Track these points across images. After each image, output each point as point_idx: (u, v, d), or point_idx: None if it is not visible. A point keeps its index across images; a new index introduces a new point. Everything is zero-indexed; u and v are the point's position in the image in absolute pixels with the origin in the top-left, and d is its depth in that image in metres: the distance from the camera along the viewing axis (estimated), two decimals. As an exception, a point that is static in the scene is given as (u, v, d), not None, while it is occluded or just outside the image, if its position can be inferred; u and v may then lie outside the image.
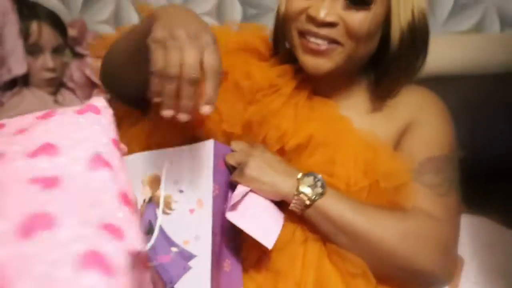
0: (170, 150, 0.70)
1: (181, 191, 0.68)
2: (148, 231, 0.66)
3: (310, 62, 0.72)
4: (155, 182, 0.69)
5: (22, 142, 0.36)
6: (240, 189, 0.68)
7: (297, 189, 0.67)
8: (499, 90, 1.22)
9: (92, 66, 1.24)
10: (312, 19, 0.70)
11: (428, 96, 0.80)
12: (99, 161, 0.34)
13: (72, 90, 1.29)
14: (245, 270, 0.69)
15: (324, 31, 0.70)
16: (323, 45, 0.71)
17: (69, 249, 0.27)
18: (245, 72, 0.77)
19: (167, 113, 0.56)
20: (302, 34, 0.72)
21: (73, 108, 0.41)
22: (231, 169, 0.71)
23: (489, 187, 0.97)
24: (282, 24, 0.77)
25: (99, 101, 0.42)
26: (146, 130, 0.78)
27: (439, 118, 0.77)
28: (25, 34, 1.15)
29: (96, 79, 1.23)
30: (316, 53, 0.71)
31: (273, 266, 0.68)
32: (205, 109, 0.56)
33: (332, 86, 0.79)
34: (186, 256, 0.64)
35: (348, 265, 0.67)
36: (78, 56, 1.33)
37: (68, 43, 1.29)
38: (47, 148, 0.34)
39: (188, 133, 0.73)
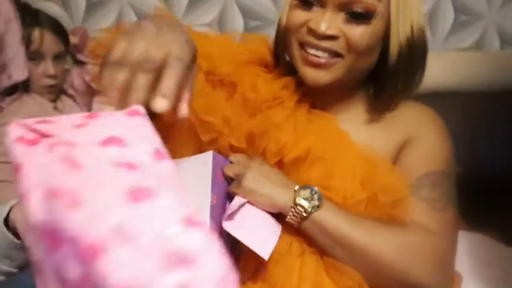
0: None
1: None
2: None
3: (310, 74, 0.72)
4: None
5: (86, 135, 0.37)
6: (237, 200, 0.68)
7: (294, 202, 0.67)
8: (499, 107, 1.22)
9: (92, 73, 1.25)
10: (312, 32, 0.70)
11: (426, 112, 0.81)
12: (160, 154, 0.36)
13: (72, 97, 1.29)
14: (241, 281, 0.69)
15: (325, 44, 0.70)
16: (323, 58, 0.71)
17: (174, 212, 0.31)
18: (252, 85, 0.78)
19: (109, 107, 0.44)
20: (303, 45, 0.72)
21: (118, 111, 0.42)
22: (229, 180, 0.71)
23: (488, 203, 0.97)
24: (283, 36, 0.77)
25: (139, 107, 0.43)
26: None
27: (437, 134, 0.78)
28: (27, 40, 1.15)
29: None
30: (316, 65, 0.71)
31: (270, 277, 0.68)
32: (159, 104, 0.44)
33: (331, 99, 0.80)
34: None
35: (345, 278, 0.66)
36: (79, 63, 1.33)
37: (69, 51, 1.30)
38: (114, 141, 0.36)
39: (196, 147, 0.73)
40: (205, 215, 0.65)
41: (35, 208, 0.32)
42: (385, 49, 0.74)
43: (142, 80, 0.44)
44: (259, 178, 0.68)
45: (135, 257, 0.28)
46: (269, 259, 0.64)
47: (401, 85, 0.77)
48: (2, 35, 1.05)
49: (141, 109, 0.42)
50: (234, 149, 0.75)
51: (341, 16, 0.70)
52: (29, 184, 0.34)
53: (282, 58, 0.82)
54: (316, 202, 0.67)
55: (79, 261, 0.29)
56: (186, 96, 0.49)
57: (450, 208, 0.72)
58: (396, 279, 0.66)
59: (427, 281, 0.66)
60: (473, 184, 0.79)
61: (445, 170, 0.74)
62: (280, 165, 0.74)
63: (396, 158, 0.77)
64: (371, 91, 0.81)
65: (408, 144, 0.77)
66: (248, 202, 0.68)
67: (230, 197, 0.70)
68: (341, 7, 0.69)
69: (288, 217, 0.67)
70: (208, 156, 0.69)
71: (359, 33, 0.69)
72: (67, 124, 0.40)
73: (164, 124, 0.47)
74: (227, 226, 0.65)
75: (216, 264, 0.29)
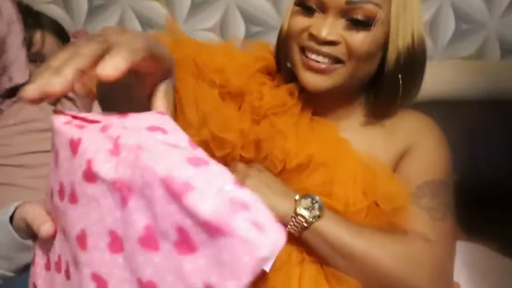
0: None
1: None
2: None
3: (310, 79, 0.72)
4: None
5: (131, 122, 0.40)
6: None
7: (295, 211, 0.67)
8: (498, 116, 1.22)
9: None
10: (314, 37, 0.71)
11: (425, 121, 0.81)
12: (194, 144, 0.39)
13: (72, 100, 1.29)
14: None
15: (325, 49, 0.71)
16: (323, 63, 0.71)
17: (227, 174, 0.35)
18: (258, 93, 0.78)
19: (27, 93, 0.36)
20: (304, 50, 0.73)
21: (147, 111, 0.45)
22: None
23: (486, 213, 0.97)
24: (284, 42, 0.77)
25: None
26: None
27: (435, 143, 0.78)
28: (28, 43, 1.15)
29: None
30: (316, 70, 0.72)
31: (269, 286, 0.67)
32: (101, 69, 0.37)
33: (332, 105, 0.80)
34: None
35: (344, 287, 0.66)
36: (80, 66, 1.33)
37: (70, 54, 1.30)
38: (156, 128, 0.39)
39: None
40: None
41: (108, 167, 0.36)
42: (385, 56, 0.74)
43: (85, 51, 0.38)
44: (259, 186, 0.68)
45: (208, 199, 0.32)
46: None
47: (399, 92, 0.77)
48: (4, 37, 1.05)
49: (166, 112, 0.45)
50: (242, 159, 0.75)
51: (342, 22, 0.70)
52: (93, 149, 0.38)
53: (283, 65, 0.82)
54: (316, 212, 0.67)
55: (171, 198, 0.33)
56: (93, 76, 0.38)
57: (449, 217, 0.72)
58: (395, 287, 0.66)
59: None
60: (471, 193, 0.79)
61: (443, 179, 0.74)
62: (281, 171, 0.74)
63: (396, 166, 0.77)
64: (371, 97, 0.82)
65: (407, 153, 0.77)
66: None
67: None
68: (342, 14, 0.70)
69: (289, 227, 0.67)
70: None
71: (359, 39, 0.70)
72: (107, 115, 0.42)
73: None
74: None
75: (267, 211, 0.35)
